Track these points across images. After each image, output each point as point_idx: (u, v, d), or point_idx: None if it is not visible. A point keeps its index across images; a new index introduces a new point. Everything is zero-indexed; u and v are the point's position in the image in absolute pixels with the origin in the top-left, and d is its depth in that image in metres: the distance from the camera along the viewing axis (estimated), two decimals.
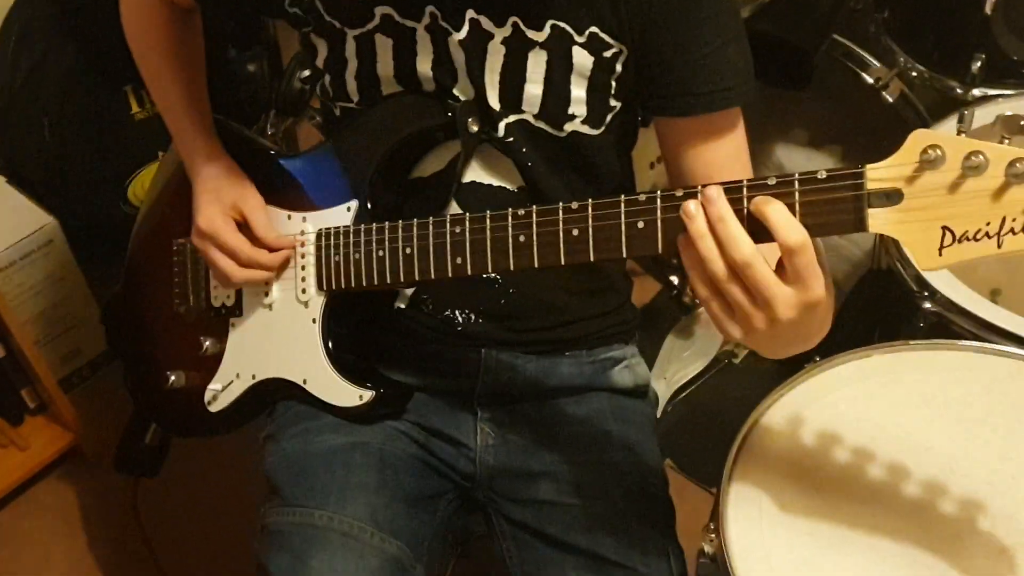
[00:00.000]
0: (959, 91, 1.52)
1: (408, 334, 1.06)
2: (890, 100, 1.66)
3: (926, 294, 1.18)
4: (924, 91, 1.63)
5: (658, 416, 1.17)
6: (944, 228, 0.65)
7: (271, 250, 1.01)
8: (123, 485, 1.68)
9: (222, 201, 1.03)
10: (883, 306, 1.34)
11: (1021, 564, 0.85)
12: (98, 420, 1.80)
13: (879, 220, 0.67)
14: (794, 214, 0.69)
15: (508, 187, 0.99)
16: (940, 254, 0.65)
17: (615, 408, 1.08)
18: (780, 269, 0.71)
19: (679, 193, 0.74)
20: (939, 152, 0.64)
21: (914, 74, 1.60)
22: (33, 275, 1.73)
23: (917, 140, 0.65)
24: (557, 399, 1.08)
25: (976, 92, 1.50)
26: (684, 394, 1.88)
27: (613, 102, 0.94)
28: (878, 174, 0.67)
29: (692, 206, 0.72)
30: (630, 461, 1.05)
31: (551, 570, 0.99)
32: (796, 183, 0.70)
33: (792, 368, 1.03)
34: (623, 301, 1.13)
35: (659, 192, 0.76)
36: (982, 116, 1.39)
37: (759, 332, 0.72)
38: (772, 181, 0.70)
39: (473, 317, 1.04)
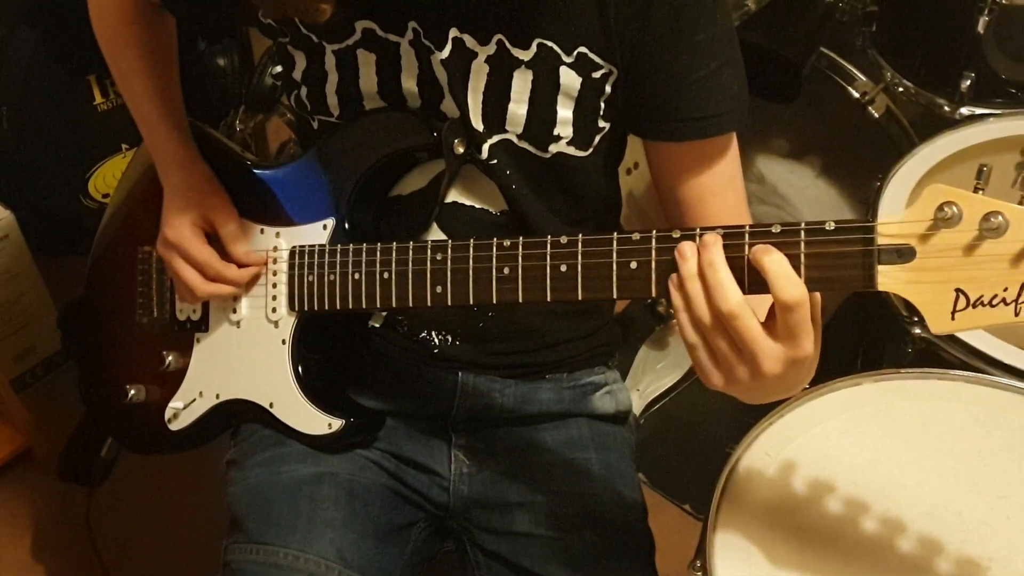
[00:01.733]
0: (947, 108, 1.51)
1: (381, 355, 1.02)
2: (876, 115, 1.64)
3: (916, 319, 1.15)
4: (910, 107, 1.62)
5: None
6: (958, 291, 0.61)
7: (240, 265, 0.96)
8: (75, 492, 1.62)
9: (192, 211, 0.97)
10: (869, 329, 1.32)
11: None
12: (51, 422, 1.73)
13: (889, 278, 0.64)
14: (798, 266, 0.66)
15: (490, 210, 0.94)
16: (953, 318, 0.62)
17: (595, 435, 1.04)
18: (771, 321, 0.68)
19: (676, 235, 0.71)
20: (955, 210, 0.60)
21: (900, 89, 1.58)
22: None
23: (933, 195, 0.61)
24: (535, 425, 1.03)
25: (964, 111, 1.49)
26: (657, 407, 1.85)
27: (602, 123, 0.90)
28: (890, 229, 0.63)
29: (688, 248, 0.69)
30: (610, 492, 1.01)
31: None
32: (802, 233, 0.66)
33: None
34: (605, 321, 1.09)
35: (654, 232, 0.72)
36: (973, 135, 1.38)
37: (742, 384, 0.69)
38: (776, 229, 0.67)
39: (450, 339, 1.00)
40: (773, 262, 0.66)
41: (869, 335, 1.34)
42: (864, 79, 1.64)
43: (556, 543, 0.96)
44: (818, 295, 0.68)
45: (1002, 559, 0.86)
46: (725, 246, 0.68)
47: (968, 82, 1.45)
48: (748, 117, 0.88)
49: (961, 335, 1.12)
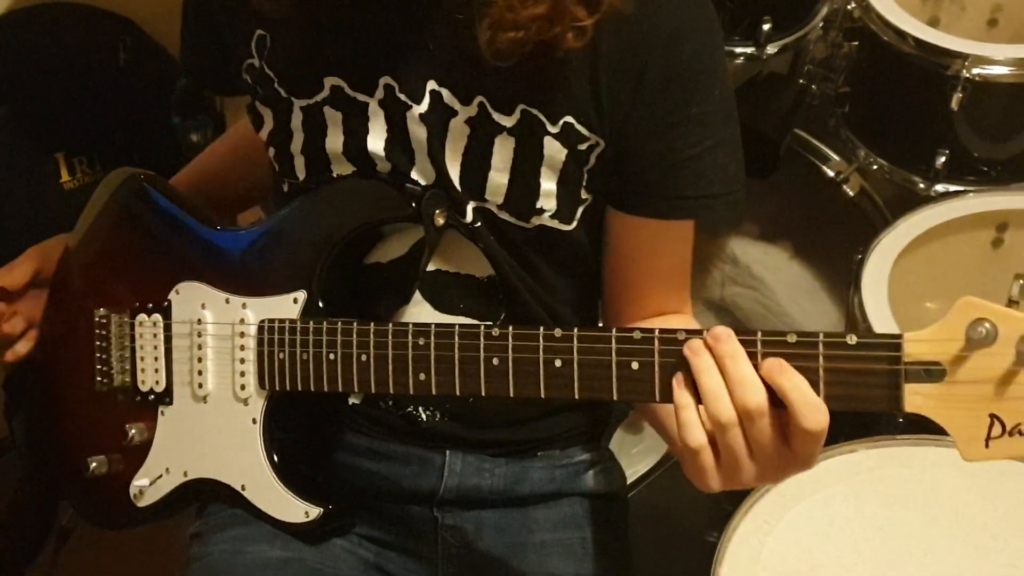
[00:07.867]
0: (921, 186, 1.53)
1: (362, 433, 0.97)
2: (850, 194, 1.65)
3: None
4: (884, 185, 1.64)
5: None
6: (993, 417, 0.57)
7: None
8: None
9: None
10: None
11: None
12: None
13: (917, 399, 0.58)
14: (816, 380, 0.61)
15: (476, 275, 0.90)
16: (987, 446, 0.57)
17: (588, 513, 1.00)
18: (784, 430, 0.63)
19: (681, 335, 0.66)
20: (988, 327, 0.56)
21: (875, 168, 1.60)
22: None
23: (965, 309, 0.57)
24: (527, 507, 0.98)
25: (939, 187, 1.50)
26: (634, 492, 1.79)
27: (584, 194, 0.87)
28: (919, 347, 0.58)
29: (698, 343, 0.65)
30: (604, 572, 0.96)
31: None
32: (820, 345, 0.61)
33: None
34: None
35: (657, 331, 0.68)
36: (951, 210, 1.39)
37: (736, 485, 0.66)
38: (792, 339, 0.62)
39: (438, 415, 0.95)
40: (795, 388, 0.61)
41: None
42: (838, 158, 1.66)
43: None
44: None
45: None
46: None
47: (943, 159, 1.47)
48: (743, 207, 0.85)
49: None
